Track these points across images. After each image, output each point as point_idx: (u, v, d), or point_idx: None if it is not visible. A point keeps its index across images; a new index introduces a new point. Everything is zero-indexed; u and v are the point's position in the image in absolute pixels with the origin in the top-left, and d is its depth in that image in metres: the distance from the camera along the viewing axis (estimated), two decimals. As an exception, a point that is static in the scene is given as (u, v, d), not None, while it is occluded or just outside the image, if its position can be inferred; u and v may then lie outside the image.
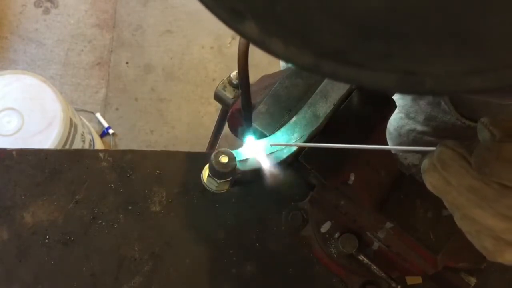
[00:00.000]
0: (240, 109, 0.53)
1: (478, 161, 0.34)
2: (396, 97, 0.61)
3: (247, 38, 0.24)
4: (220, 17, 0.24)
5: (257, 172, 0.53)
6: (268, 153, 0.53)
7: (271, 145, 0.51)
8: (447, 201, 0.37)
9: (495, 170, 0.33)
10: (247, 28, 0.23)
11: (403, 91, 0.24)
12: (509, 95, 0.45)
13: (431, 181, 0.37)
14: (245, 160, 0.52)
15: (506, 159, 0.33)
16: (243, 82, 0.45)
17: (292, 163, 0.57)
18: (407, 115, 0.75)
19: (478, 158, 0.34)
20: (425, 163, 0.37)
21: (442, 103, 0.69)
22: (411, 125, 0.75)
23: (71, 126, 1.31)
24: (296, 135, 0.54)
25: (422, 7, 0.20)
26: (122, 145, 1.73)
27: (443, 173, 0.35)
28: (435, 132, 0.71)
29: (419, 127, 0.74)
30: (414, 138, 0.75)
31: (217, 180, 0.51)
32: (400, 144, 0.64)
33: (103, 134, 1.72)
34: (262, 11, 0.23)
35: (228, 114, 0.63)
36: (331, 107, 0.56)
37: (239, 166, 0.50)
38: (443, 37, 0.21)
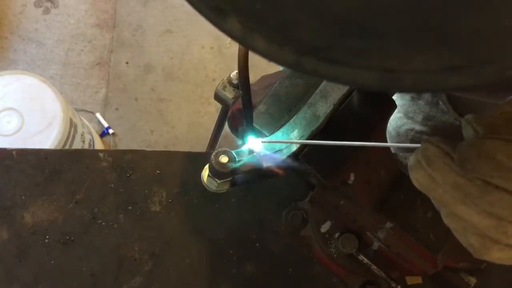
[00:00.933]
0: (240, 109, 0.53)
1: (461, 157, 0.34)
2: (395, 97, 0.61)
3: (230, 36, 0.24)
4: (204, 14, 0.24)
5: (257, 172, 0.53)
6: (268, 153, 0.53)
7: (265, 142, 0.51)
8: (433, 198, 0.37)
9: (477, 166, 0.33)
10: (230, 25, 0.24)
11: (382, 88, 0.25)
12: (498, 95, 0.45)
13: (417, 178, 0.37)
14: (245, 160, 0.52)
15: (487, 156, 0.32)
16: (243, 82, 0.45)
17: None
18: (406, 115, 0.75)
19: (460, 155, 0.34)
20: (411, 160, 0.37)
21: (441, 103, 0.69)
22: (409, 124, 0.75)
23: (71, 126, 1.31)
24: (296, 135, 0.54)
25: (397, 4, 0.21)
26: (122, 145, 1.73)
27: (428, 170, 0.35)
28: (434, 132, 0.71)
29: (418, 127, 0.74)
30: (412, 138, 0.75)
31: (217, 180, 0.51)
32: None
33: (103, 134, 1.72)
34: (244, 9, 0.24)
35: (228, 114, 0.63)
36: (331, 107, 0.56)
37: (239, 166, 0.50)
38: (419, 34, 0.22)
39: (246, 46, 0.24)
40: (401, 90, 0.22)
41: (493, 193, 0.33)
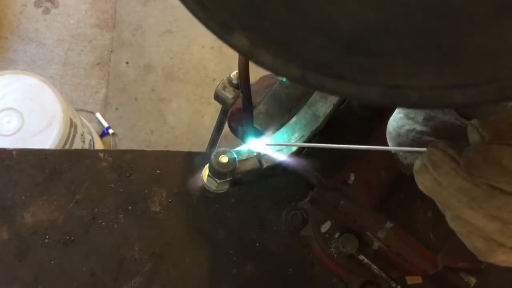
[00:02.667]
0: (240, 109, 0.53)
1: (467, 162, 0.34)
2: (396, 97, 0.61)
3: (237, 50, 0.25)
4: (211, 29, 0.25)
5: (257, 172, 0.53)
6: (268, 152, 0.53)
7: (267, 145, 0.51)
8: (438, 202, 0.37)
9: (483, 171, 0.33)
10: (237, 40, 0.24)
11: (387, 103, 0.25)
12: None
13: (423, 182, 0.37)
14: (245, 160, 0.52)
15: (493, 161, 0.33)
16: (243, 83, 0.45)
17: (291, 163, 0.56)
18: (406, 115, 0.75)
19: (466, 160, 0.34)
20: (417, 164, 0.38)
21: (441, 103, 0.69)
22: (410, 125, 0.75)
23: (71, 126, 1.31)
24: (296, 135, 0.54)
25: (402, 25, 0.21)
26: (122, 145, 1.73)
27: (434, 174, 0.36)
28: (434, 132, 0.71)
29: (418, 127, 0.74)
30: (413, 138, 0.75)
31: (217, 180, 0.51)
32: (399, 144, 0.64)
33: (103, 134, 1.72)
34: (251, 26, 0.24)
35: (228, 114, 0.63)
36: (331, 107, 0.56)
37: (239, 166, 0.50)
38: (424, 53, 0.22)
39: (253, 60, 0.25)
40: (407, 106, 0.23)
41: (499, 197, 0.33)
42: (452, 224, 0.37)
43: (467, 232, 0.36)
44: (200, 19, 0.25)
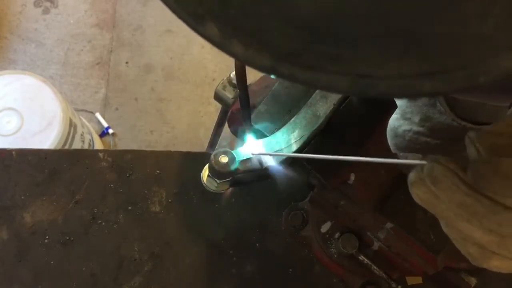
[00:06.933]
0: (240, 109, 0.53)
1: (475, 174, 0.34)
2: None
3: (209, 41, 0.25)
4: (183, 19, 0.25)
5: (257, 172, 0.53)
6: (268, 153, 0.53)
7: (254, 154, 0.51)
8: (434, 213, 0.37)
9: (491, 184, 0.33)
10: (209, 30, 0.24)
11: (356, 93, 0.25)
12: (490, 97, 0.45)
13: (418, 194, 0.37)
14: (245, 160, 0.52)
15: (503, 174, 0.33)
16: (240, 81, 0.45)
17: (292, 163, 0.56)
18: (403, 116, 0.75)
19: (474, 171, 0.34)
20: (412, 176, 0.37)
21: (438, 103, 0.69)
22: (407, 125, 0.75)
23: (71, 126, 1.30)
24: (296, 135, 0.54)
25: (364, 10, 0.21)
26: (122, 145, 1.73)
27: (432, 188, 0.36)
28: (431, 133, 0.71)
29: (415, 128, 0.74)
30: (410, 139, 0.75)
31: (217, 180, 0.51)
32: (397, 145, 0.64)
33: (103, 134, 1.72)
34: (219, 15, 0.24)
35: (228, 114, 0.63)
36: (331, 107, 0.56)
37: (239, 166, 0.50)
38: (389, 40, 0.22)
39: (224, 51, 0.25)
40: (375, 95, 0.23)
41: (501, 213, 0.33)
42: (446, 230, 0.37)
43: (462, 239, 0.36)
44: (173, 9, 0.25)
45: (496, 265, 0.35)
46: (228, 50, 0.24)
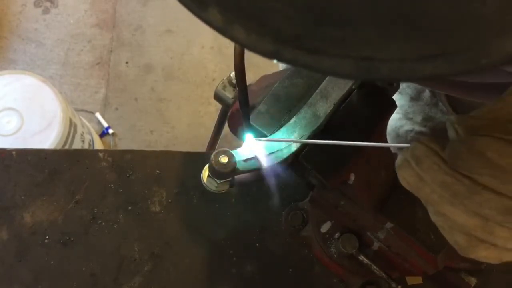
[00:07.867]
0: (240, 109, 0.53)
1: (451, 153, 0.34)
2: (395, 97, 0.61)
3: (212, 26, 0.25)
4: (186, 5, 0.24)
5: (257, 172, 0.53)
6: (268, 152, 0.53)
7: (263, 140, 0.51)
8: (420, 198, 0.37)
9: (467, 162, 0.33)
10: (211, 15, 0.24)
11: (359, 77, 0.25)
12: (488, 96, 0.45)
13: (405, 177, 0.37)
14: (245, 160, 0.51)
15: (478, 152, 0.33)
16: (240, 81, 0.45)
17: (292, 163, 0.56)
18: (405, 116, 0.75)
19: (451, 151, 0.34)
20: (399, 159, 0.37)
21: (440, 104, 0.69)
22: (409, 125, 0.75)
23: (71, 126, 1.30)
24: (296, 135, 0.54)
25: None
26: (122, 145, 1.73)
27: (417, 169, 0.36)
28: (433, 133, 0.72)
29: (417, 128, 0.74)
30: (412, 139, 0.75)
31: (217, 180, 0.51)
32: None
33: (103, 134, 1.72)
34: None
35: (228, 114, 0.63)
36: (331, 107, 0.56)
37: (239, 166, 0.50)
38: (391, 22, 0.22)
39: (227, 36, 0.25)
40: (378, 78, 0.23)
41: (481, 193, 0.33)
42: (433, 218, 0.37)
43: (448, 227, 0.36)
44: None
45: (484, 255, 0.35)
46: (230, 35, 0.24)
